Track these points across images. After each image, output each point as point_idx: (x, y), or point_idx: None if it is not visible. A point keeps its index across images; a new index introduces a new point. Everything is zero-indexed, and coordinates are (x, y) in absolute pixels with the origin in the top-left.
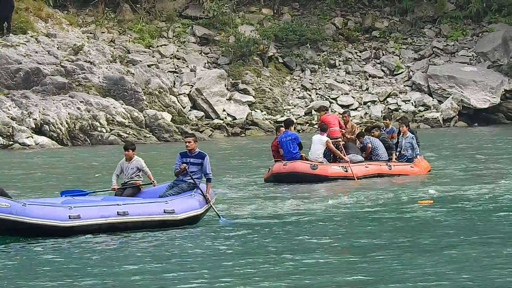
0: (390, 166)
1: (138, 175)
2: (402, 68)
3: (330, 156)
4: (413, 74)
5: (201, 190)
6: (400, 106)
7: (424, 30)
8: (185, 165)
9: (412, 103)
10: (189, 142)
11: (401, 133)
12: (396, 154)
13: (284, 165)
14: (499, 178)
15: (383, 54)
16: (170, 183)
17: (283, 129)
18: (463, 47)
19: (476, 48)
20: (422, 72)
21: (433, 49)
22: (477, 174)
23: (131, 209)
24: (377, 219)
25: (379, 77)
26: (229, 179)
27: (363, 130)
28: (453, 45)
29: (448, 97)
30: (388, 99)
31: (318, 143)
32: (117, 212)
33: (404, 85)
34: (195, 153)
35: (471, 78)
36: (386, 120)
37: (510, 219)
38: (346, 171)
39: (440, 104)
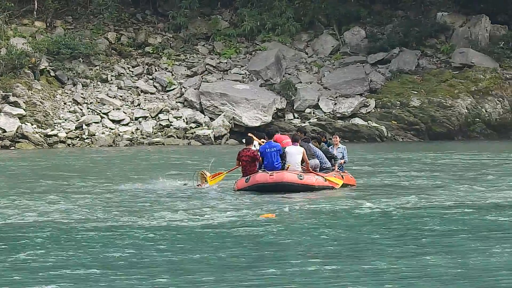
0: (343, 176)
1: None
2: (174, 84)
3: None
4: (185, 90)
5: None
6: (172, 122)
7: (198, 47)
8: None
9: (183, 119)
10: None
11: (333, 144)
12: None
13: (270, 175)
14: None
15: (156, 70)
16: None
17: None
18: (236, 65)
19: (249, 66)
20: (195, 89)
21: (206, 66)
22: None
23: None
24: (225, 235)
25: (151, 93)
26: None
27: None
28: (226, 62)
29: (220, 115)
30: (160, 115)
31: (296, 154)
32: None
33: (176, 102)
34: None
35: (243, 96)
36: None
37: (339, 235)
38: (325, 180)
39: (212, 121)
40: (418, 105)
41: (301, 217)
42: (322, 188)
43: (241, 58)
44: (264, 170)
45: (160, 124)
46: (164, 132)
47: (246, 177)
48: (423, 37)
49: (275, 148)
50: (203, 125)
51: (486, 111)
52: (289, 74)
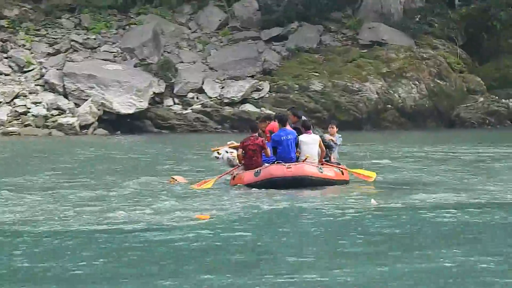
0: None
1: None
2: (33, 64)
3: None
4: (46, 71)
5: None
6: (30, 108)
7: (61, 21)
8: None
9: (44, 105)
10: None
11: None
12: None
13: (288, 167)
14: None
15: (12, 48)
16: None
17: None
18: (107, 42)
19: (121, 43)
20: (57, 69)
21: (71, 43)
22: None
23: None
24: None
25: (6, 74)
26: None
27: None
28: (95, 39)
29: (86, 100)
30: (15, 100)
31: (313, 143)
32: None
33: (35, 85)
34: None
35: (114, 78)
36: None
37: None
38: (343, 173)
39: (77, 107)
40: (320, 89)
41: (234, 219)
42: (341, 182)
43: (112, 34)
44: (279, 162)
45: (16, 111)
46: (20, 120)
47: (256, 170)
48: (326, 9)
49: (291, 136)
50: (67, 112)
51: (399, 96)
52: (168, 52)
